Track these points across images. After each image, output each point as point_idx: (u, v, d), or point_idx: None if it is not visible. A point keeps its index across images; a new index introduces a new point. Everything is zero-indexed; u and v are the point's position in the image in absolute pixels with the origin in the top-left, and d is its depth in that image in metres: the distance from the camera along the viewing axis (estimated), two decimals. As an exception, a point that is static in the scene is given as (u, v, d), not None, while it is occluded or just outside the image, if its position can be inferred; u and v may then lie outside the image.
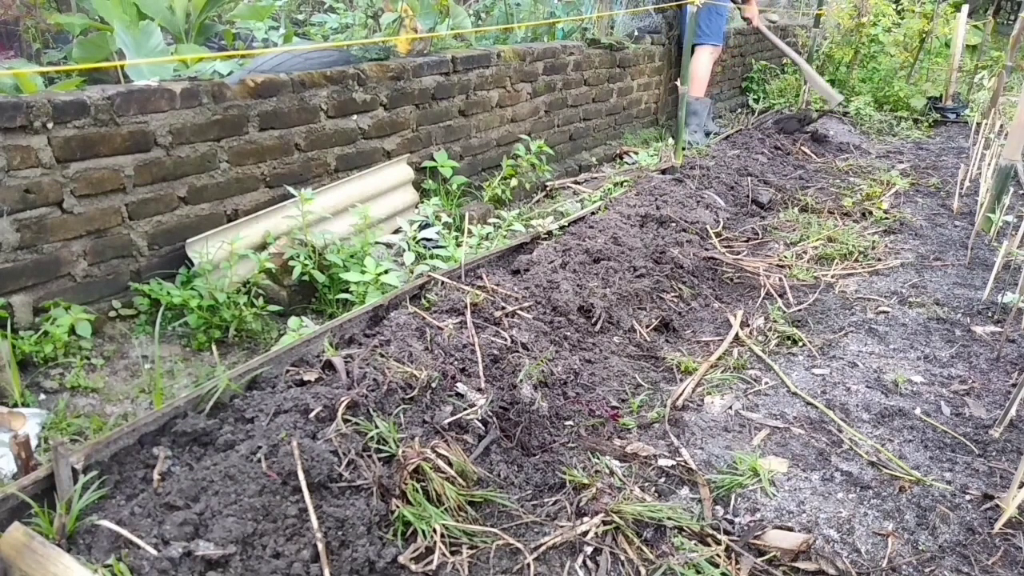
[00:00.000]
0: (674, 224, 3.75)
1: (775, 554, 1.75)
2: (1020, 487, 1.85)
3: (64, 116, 2.41)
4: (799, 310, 3.15)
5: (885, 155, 5.92)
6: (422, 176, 3.90)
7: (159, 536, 1.50)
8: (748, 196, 4.54)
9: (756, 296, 3.28)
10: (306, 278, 2.88)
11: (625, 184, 4.53)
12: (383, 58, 3.63)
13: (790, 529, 1.83)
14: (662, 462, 2.11)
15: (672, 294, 3.17)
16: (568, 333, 2.70)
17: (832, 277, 3.49)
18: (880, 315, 3.11)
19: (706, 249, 3.64)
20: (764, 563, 1.72)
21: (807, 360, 2.75)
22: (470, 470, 1.92)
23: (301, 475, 1.67)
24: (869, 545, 1.81)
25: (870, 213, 4.37)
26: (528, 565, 1.70)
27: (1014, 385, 2.52)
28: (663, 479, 2.05)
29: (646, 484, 2.02)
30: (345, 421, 1.88)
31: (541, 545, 1.76)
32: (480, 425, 2.08)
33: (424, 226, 3.55)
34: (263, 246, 2.95)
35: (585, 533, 1.79)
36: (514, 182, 4.24)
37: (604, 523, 1.82)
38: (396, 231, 3.58)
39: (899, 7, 8.13)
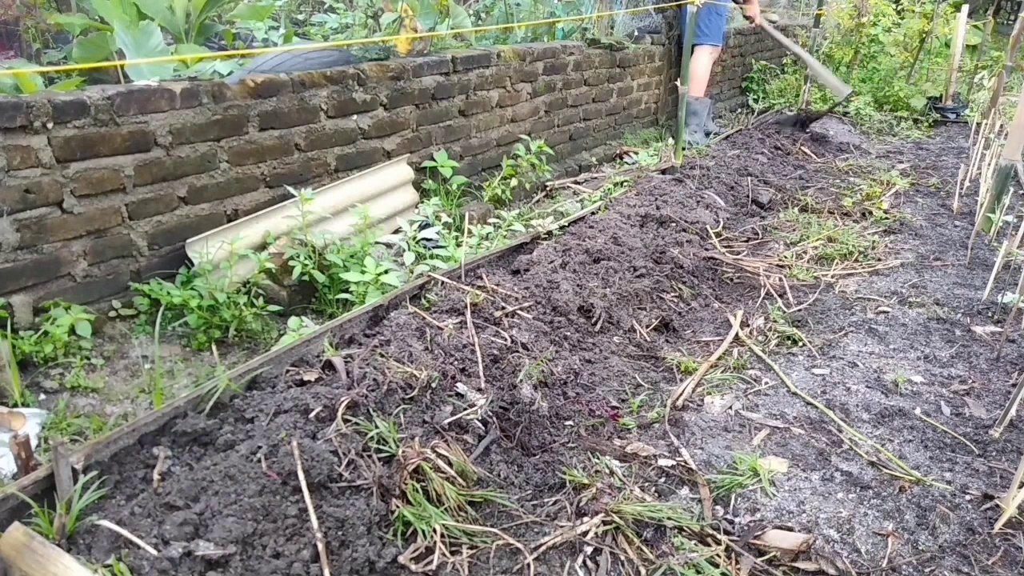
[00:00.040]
0: (674, 224, 3.75)
1: (775, 554, 1.75)
2: (1020, 487, 1.85)
3: (64, 116, 2.41)
4: (799, 310, 3.15)
5: (885, 155, 5.92)
6: (422, 176, 3.90)
7: (159, 536, 1.50)
8: (748, 196, 4.54)
9: (756, 296, 3.28)
10: (306, 278, 2.88)
11: (625, 184, 4.53)
12: (383, 58, 3.63)
13: (790, 529, 1.83)
14: (662, 462, 2.11)
15: (672, 294, 3.17)
16: (568, 333, 2.70)
17: (832, 277, 3.49)
18: (880, 315, 3.11)
19: (706, 249, 3.64)
20: (764, 563, 1.72)
21: (807, 360, 2.75)
22: (470, 470, 1.92)
23: (301, 475, 1.67)
24: (869, 545, 1.81)
25: (870, 213, 4.37)
26: (528, 565, 1.70)
27: (1014, 385, 2.52)
28: (663, 479, 2.05)
29: (646, 484, 2.02)
30: (345, 421, 1.88)
31: (541, 545, 1.76)
32: (480, 425, 2.08)
33: (424, 226, 3.55)
34: (263, 246, 2.95)
35: (585, 533, 1.79)
36: (514, 182, 4.24)
37: (604, 523, 1.82)
38: (396, 231, 3.58)
39: (899, 7, 8.13)
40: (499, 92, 4.36)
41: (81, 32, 3.84)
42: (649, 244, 3.47)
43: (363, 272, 2.90)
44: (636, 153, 5.41)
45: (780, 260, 3.65)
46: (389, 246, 3.37)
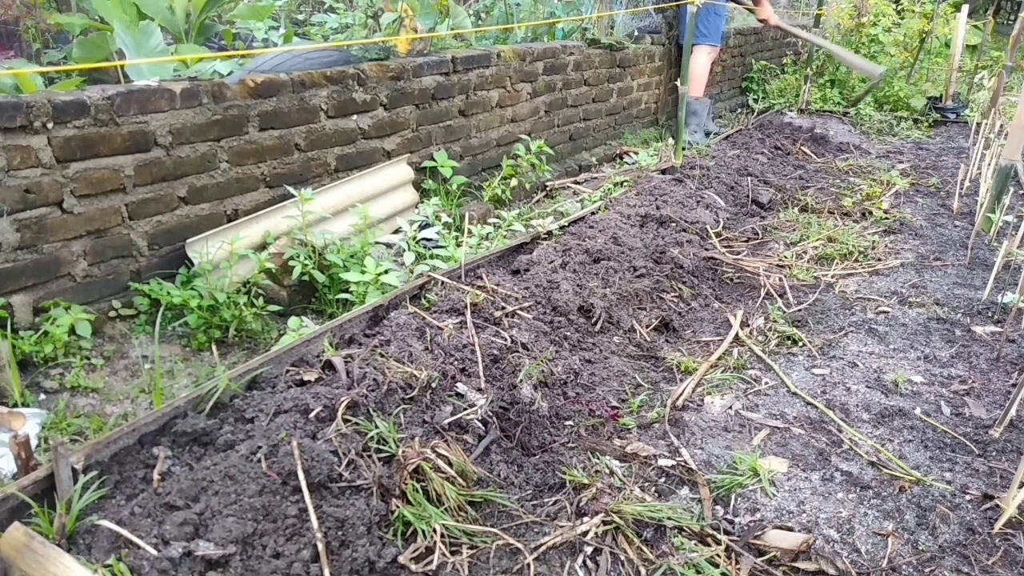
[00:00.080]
0: (674, 224, 3.75)
1: (775, 554, 1.75)
2: (1020, 487, 1.85)
3: (64, 116, 2.41)
4: (799, 310, 3.15)
5: (885, 155, 5.92)
6: (422, 176, 3.90)
7: (159, 536, 1.50)
8: (748, 196, 4.54)
9: (756, 296, 3.28)
10: (306, 278, 2.88)
11: (625, 184, 4.53)
12: (383, 58, 3.63)
13: (790, 529, 1.83)
14: (662, 462, 2.11)
15: (672, 294, 3.17)
16: (568, 333, 2.70)
17: (832, 277, 3.49)
18: (880, 315, 3.11)
19: (706, 249, 3.64)
20: (764, 563, 1.72)
21: (807, 360, 2.75)
22: (470, 470, 1.92)
23: (301, 475, 1.67)
24: (869, 545, 1.81)
25: (870, 213, 4.37)
26: (528, 565, 1.70)
27: (1014, 385, 2.52)
28: (663, 479, 2.05)
29: (646, 484, 2.02)
30: (345, 421, 1.88)
31: (541, 545, 1.76)
32: (480, 425, 2.08)
33: (424, 226, 3.55)
34: (263, 246, 2.95)
35: (585, 533, 1.79)
36: (514, 182, 4.24)
37: (604, 523, 1.82)
38: (396, 231, 3.58)
39: (899, 7, 8.13)
40: (499, 92, 4.36)
41: (81, 32, 3.84)
42: (649, 244, 3.47)
43: (363, 272, 2.90)
44: (636, 153, 5.41)
45: (780, 260, 3.65)
46: (389, 246, 3.37)
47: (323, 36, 4.74)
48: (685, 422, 2.32)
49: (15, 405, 2.17)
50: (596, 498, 1.89)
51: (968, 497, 1.98)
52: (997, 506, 1.93)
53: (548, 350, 2.52)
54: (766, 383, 2.57)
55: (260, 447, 1.73)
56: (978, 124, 6.04)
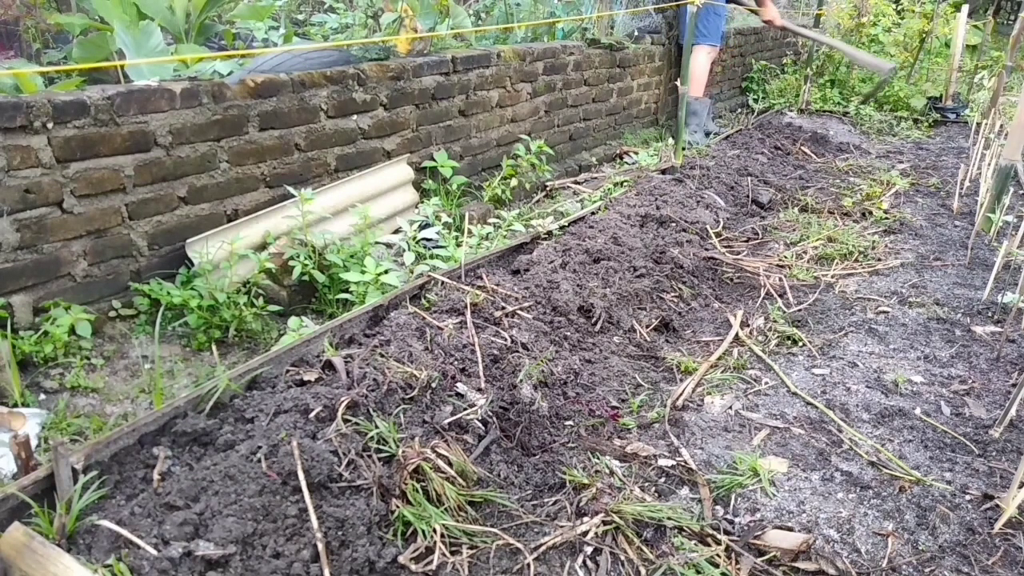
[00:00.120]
0: (674, 224, 3.75)
1: (775, 554, 1.75)
2: (1020, 487, 1.85)
3: (64, 116, 2.41)
4: (799, 310, 3.15)
5: (885, 155, 5.92)
6: (422, 176, 3.90)
7: (159, 536, 1.50)
8: (748, 196, 4.54)
9: (756, 296, 3.28)
10: (306, 278, 2.88)
11: (625, 184, 4.53)
12: (383, 58, 3.63)
13: (790, 529, 1.83)
14: (662, 462, 2.11)
15: (672, 294, 3.17)
16: (568, 333, 2.70)
17: (832, 277, 3.49)
18: (880, 315, 3.11)
19: (706, 249, 3.64)
20: (764, 563, 1.72)
21: (807, 360, 2.75)
22: (470, 470, 1.92)
23: (301, 475, 1.67)
24: (869, 545, 1.81)
25: (870, 213, 4.37)
26: (528, 565, 1.70)
27: (1014, 385, 2.52)
28: (663, 479, 2.05)
29: (646, 484, 2.02)
30: (345, 421, 1.88)
31: (541, 545, 1.76)
32: (480, 425, 2.08)
33: (424, 226, 3.55)
34: (263, 246, 2.95)
35: (585, 533, 1.79)
36: (514, 182, 4.24)
37: (604, 523, 1.82)
38: (396, 231, 3.58)
39: (899, 7, 8.13)
40: (499, 92, 4.36)
41: (81, 32, 3.84)
42: (649, 244, 3.47)
43: (363, 272, 2.90)
44: (636, 153, 5.41)
45: (780, 260, 3.65)
46: (389, 246, 3.37)
47: (323, 36, 4.74)
48: (685, 422, 2.32)
49: (15, 405, 2.17)
50: (596, 498, 1.89)
51: (968, 497, 1.98)
52: (997, 506, 1.93)
53: (548, 350, 2.52)
54: (766, 383, 2.57)
55: (260, 447, 1.73)
56: (978, 124, 6.04)
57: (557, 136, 5.02)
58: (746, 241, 3.93)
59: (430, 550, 1.69)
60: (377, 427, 1.89)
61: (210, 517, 1.56)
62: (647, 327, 2.90)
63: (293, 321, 2.68)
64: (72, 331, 2.42)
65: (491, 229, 3.66)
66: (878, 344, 2.86)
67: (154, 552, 1.46)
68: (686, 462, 2.10)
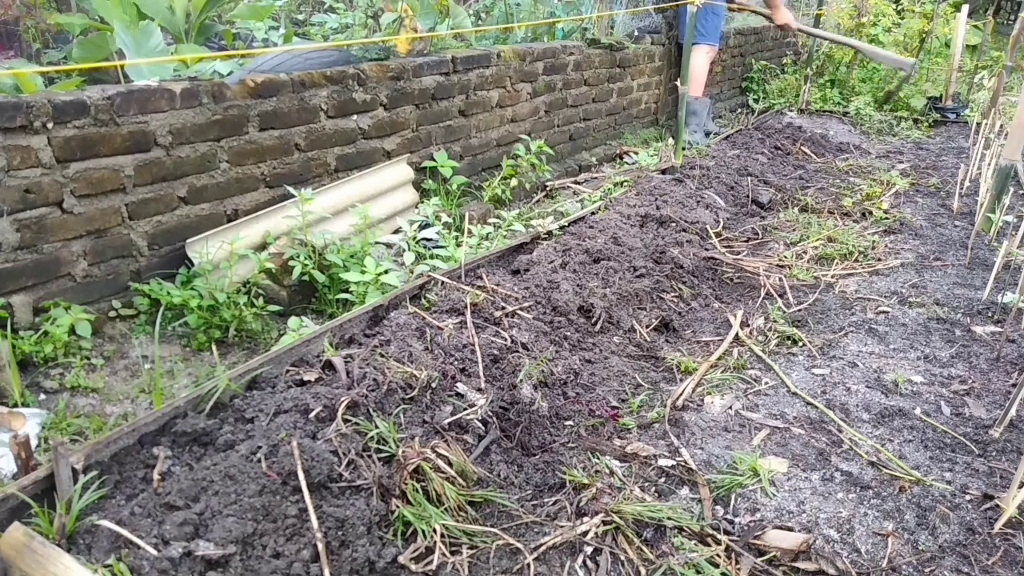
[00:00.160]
0: (674, 224, 3.75)
1: (775, 554, 1.75)
2: (1020, 487, 1.85)
3: (64, 116, 2.41)
4: (799, 310, 3.15)
5: (885, 155, 5.92)
6: (422, 176, 3.90)
7: (159, 536, 1.50)
8: (748, 196, 4.54)
9: (756, 296, 3.28)
10: (306, 278, 2.88)
11: (625, 184, 4.53)
12: (383, 58, 3.63)
13: (790, 529, 1.83)
14: (662, 462, 2.11)
15: (672, 294, 3.17)
16: (568, 333, 2.70)
17: (832, 277, 3.49)
18: (880, 315, 3.11)
19: (706, 249, 3.64)
20: (764, 563, 1.72)
21: (807, 360, 2.75)
22: (470, 470, 1.92)
23: (301, 475, 1.67)
24: (869, 545, 1.81)
25: (870, 213, 4.37)
26: (528, 565, 1.70)
27: (1014, 385, 2.52)
28: (663, 479, 2.05)
29: (646, 484, 2.02)
30: (345, 421, 1.88)
31: (541, 545, 1.76)
32: (480, 425, 2.08)
33: (424, 226, 3.55)
34: (263, 246, 2.95)
35: (585, 533, 1.79)
36: (514, 182, 4.24)
37: (604, 523, 1.82)
38: (396, 231, 3.58)
39: (899, 7, 8.13)
40: (499, 92, 4.36)
41: (81, 32, 3.84)
42: (649, 244, 3.47)
43: (363, 272, 2.90)
44: (636, 153, 5.41)
45: (780, 260, 3.65)
46: (389, 246, 3.37)
47: (323, 36, 4.74)
48: (685, 422, 2.32)
49: (15, 405, 2.17)
50: (596, 498, 1.89)
51: (968, 497, 1.98)
52: (997, 506, 1.93)
53: (548, 350, 2.52)
54: (766, 383, 2.57)
55: (260, 447, 1.73)
56: (978, 124, 6.04)
57: (557, 136, 5.02)
58: (746, 241, 3.93)
59: (430, 550, 1.69)
60: (377, 427, 1.89)
61: (210, 517, 1.56)
62: (647, 327, 2.90)
63: (293, 321, 2.68)
64: (72, 331, 2.42)
65: (491, 229, 3.66)
66: (878, 344, 2.86)
67: (154, 552, 1.46)
68: (686, 462, 2.10)
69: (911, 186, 5.01)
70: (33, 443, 1.92)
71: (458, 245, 3.32)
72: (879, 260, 3.70)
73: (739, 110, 7.33)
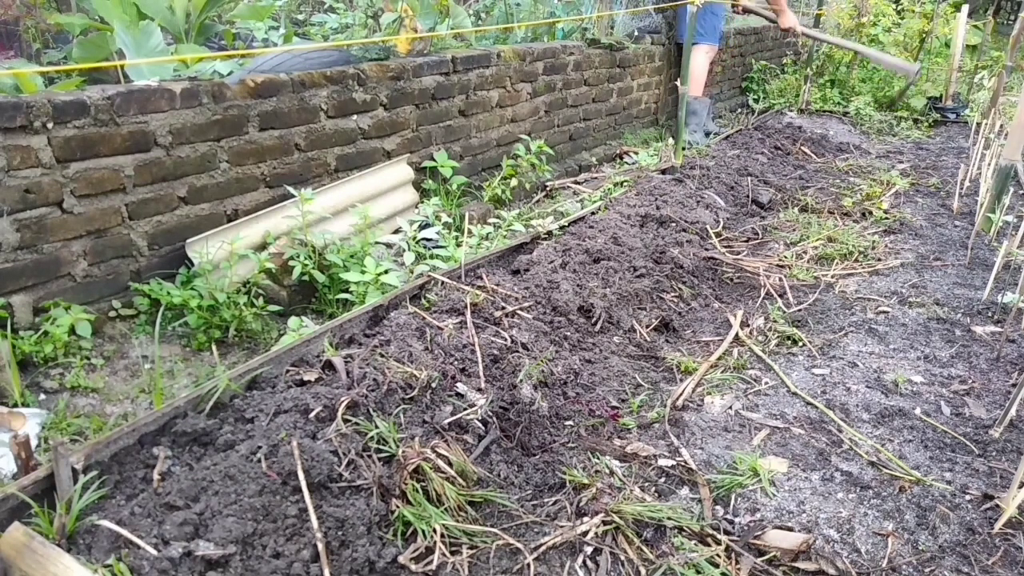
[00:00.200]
0: (674, 224, 3.75)
1: (775, 554, 1.75)
2: (1020, 487, 1.85)
3: (64, 116, 2.41)
4: (799, 310, 3.15)
5: (885, 155, 5.92)
6: (422, 176, 3.90)
7: (159, 536, 1.50)
8: (748, 196, 4.54)
9: (756, 296, 3.28)
10: (306, 278, 2.88)
11: (625, 184, 4.53)
12: (383, 58, 3.63)
13: (790, 529, 1.83)
14: (662, 462, 2.11)
15: (672, 294, 3.17)
16: (568, 333, 2.70)
17: (832, 277, 3.49)
18: (880, 315, 3.11)
19: (706, 249, 3.64)
20: (764, 563, 1.72)
21: (807, 360, 2.75)
22: (470, 470, 1.92)
23: (301, 475, 1.67)
24: (869, 545, 1.81)
25: (870, 213, 4.37)
26: (528, 565, 1.70)
27: (1014, 385, 2.52)
28: (663, 479, 2.05)
29: (646, 484, 2.02)
30: (345, 421, 1.88)
31: (541, 545, 1.76)
32: (480, 425, 2.08)
33: (424, 226, 3.55)
34: (263, 246, 2.95)
35: (585, 533, 1.79)
36: (514, 182, 4.24)
37: (604, 523, 1.82)
38: (396, 231, 3.58)
39: (899, 7, 8.13)
40: (499, 92, 4.36)
41: (81, 32, 3.84)
42: (649, 244, 3.47)
43: (363, 272, 2.90)
44: (636, 153, 5.41)
45: (780, 260, 3.65)
46: (389, 246, 3.37)
47: (323, 36, 4.74)
48: (685, 422, 2.32)
49: (15, 405, 2.17)
50: (596, 498, 1.89)
51: (968, 497, 1.98)
52: (997, 506, 1.93)
53: (548, 350, 2.52)
54: (766, 383, 2.57)
55: (260, 447, 1.73)
56: (978, 124, 6.04)
57: (557, 136, 5.02)
58: (746, 241, 3.93)
59: (430, 550, 1.69)
60: (377, 427, 1.89)
61: (210, 517, 1.56)
62: (647, 327, 2.90)
63: (293, 321, 2.68)
64: (72, 331, 2.42)
65: (491, 229, 3.66)
66: (878, 344, 2.86)
67: (154, 552, 1.46)
68: (686, 462, 2.10)
69: (911, 186, 5.01)
70: (33, 443, 1.92)
71: (458, 245, 3.32)
72: (879, 260, 3.70)
73: (739, 110, 7.33)
